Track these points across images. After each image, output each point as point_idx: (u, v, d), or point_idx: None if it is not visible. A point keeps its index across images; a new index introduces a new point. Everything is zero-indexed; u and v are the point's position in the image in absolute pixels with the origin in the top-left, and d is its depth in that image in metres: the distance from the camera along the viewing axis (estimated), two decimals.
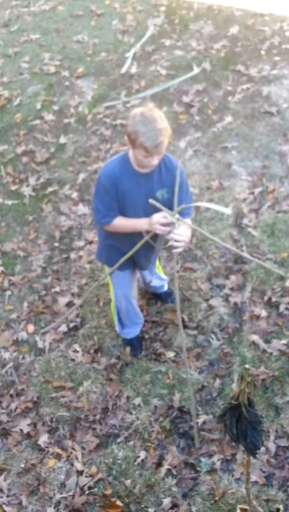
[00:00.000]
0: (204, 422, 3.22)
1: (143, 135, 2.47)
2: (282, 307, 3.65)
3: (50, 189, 4.75)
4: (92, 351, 3.66)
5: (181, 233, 2.61)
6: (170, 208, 2.62)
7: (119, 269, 3.08)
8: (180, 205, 2.62)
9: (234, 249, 2.98)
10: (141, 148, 2.52)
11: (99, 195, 2.79)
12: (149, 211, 2.66)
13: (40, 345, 3.75)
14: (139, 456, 3.13)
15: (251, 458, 2.35)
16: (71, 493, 3.05)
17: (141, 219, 2.75)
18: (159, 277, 3.66)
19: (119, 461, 3.12)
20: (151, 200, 2.59)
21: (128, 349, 3.60)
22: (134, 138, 2.51)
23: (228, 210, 2.68)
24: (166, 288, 3.79)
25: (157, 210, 2.63)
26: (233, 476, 3.01)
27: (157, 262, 3.53)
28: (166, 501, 2.93)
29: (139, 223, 2.76)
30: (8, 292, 4.10)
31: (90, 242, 4.30)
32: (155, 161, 2.59)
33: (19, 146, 5.11)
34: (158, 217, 2.66)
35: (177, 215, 2.62)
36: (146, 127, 2.46)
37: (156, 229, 2.68)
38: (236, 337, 3.59)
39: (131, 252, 2.82)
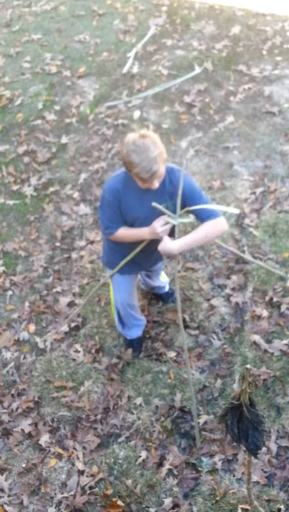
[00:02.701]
0: (205, 422, 3.22)
1: (137, 166, 2.46)
2: (283, 307, 3.65)
3: (51, 189, 4.75)
4: (93, 351, 3.66)
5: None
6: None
7: (120, 273, 3.11)
8: (193, 201, 2.69)
9: (232, 250, 2.99)
10: (137, 177, 2.54)
11: (103, 208, 2.82)
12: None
13: (41, 345, 3.75)
14: (140, 456, 3.13)
15: (252, 458, 2.35)
16: (72, 493, 3.05)
17: (143, 228, 2.78)
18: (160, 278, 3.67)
19: (120, 461, 3.12)
20: (154, 204, 2.61)
21: (129, 350, 3.60)
22: (129, 168, 2.52)
23: (236, 210, 2.68)
24: (167, 288, 3.80)
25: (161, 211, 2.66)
26: (234, 476, 3.00)
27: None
28: (168, 501, 2.93)
29: (141, 232, 2.78)
30: (10, 292, 4.10)
31: (92, 242, 4.30)
32: (155, 184, 2.58)
33: (21, 146, 5.11)
34: (158, 222, 2.69)
35: (179, 219, 2.62)
36: (140, 157, 2.44)
37: (158, 233, 2.70)
38: (237, 337, 3.59)
39: (130, 256, 2.86)
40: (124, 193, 2.71)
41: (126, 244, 2.91)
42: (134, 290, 3.33)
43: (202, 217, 2.73)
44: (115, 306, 3.41)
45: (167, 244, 2.67)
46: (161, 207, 2.62)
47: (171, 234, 2.81)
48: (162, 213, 2.70)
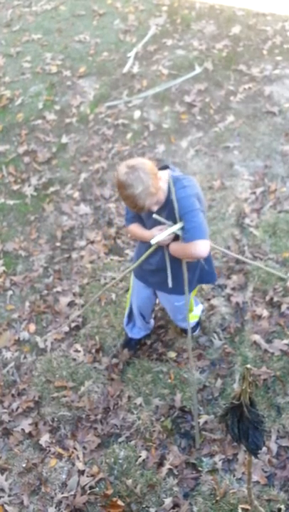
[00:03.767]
0: (206, 422, 3.22)
1: (124, 200, 2.52)
2: (283, 307, 3.64)
3: (51, 189, 4.75)
4: (93, 351, 3.66)
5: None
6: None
7: (134, 275, 3.14)
8: (184, 223, 2.61)
9: (227, 251, 2.98)
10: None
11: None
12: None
13: (41, 345, 3.75)
14: (140, 456, 3.13)
15: (253, 458, 2.35)
16: (72, 493, 3.05)
17: (146, 231, 2.82)
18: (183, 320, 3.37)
19: (120, 461, 3.12)
20: (155, 216, 2.61)
21: (125, 350, 3.60)
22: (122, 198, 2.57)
23: (284, 276, 2.59)
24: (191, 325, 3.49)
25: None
26: (234, 476, 3.00)
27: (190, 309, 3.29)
28: (168, 501, 2.93)
29: (145, 234, 2.81)
30: (10, 292, 4.10)
31: (92, 242, 4.30)
32: (154, 209, 2.60)
33: (21, 146, 5.11)
34: (157, 230, 2.70)
35: (180, 225, 2.62)
36: (124, 194, 2.47)
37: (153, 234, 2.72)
38: (238, 337, 3.59)
39: (140, 260, 2.87)
40: None
41: (142, 244, 2.97)
42: (147, 303, 3.29)
43: (185, 238, 2.65)
44: (130, 300, 3.39)
45: (162, 236, 2.65)
46: (161, 219, 2.63)
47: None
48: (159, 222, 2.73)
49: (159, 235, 2.65)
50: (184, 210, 2.60)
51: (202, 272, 3.02)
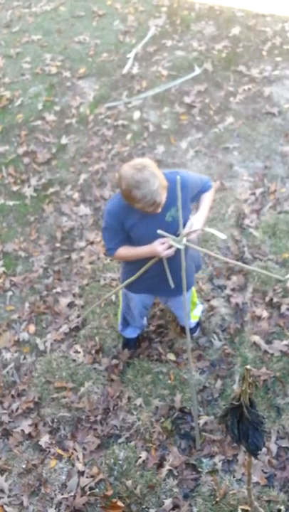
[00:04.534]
0: (205, 423, 3.22)
1: (140, 201, 2.43)
2: (283, 308, 3.65)
3: (51, 190, 4.75)
4: (93, 352, 3.66)
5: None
6: (183, 223, 2.65)
7: (133, 291, 3.08)
8: (197, 190, 2.77)
9: (222, 258, 2.99)
10: (139, 210, 2.53)
11: (103, 229, 2.80)
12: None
13: (41, 346, 3.75)
14: (140, 457, 3.13)
15: (252, 459, 2.35)
16: (72, 494, 3.05)
17: (144, 246, 2.72)
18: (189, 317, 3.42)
19: (120, 462, 3.12)
20: (159, 231, 2.55)
21: (126, 351, 3.60)
22: (131, 202, 2.48)
23: (223, 236, 2.66)
24: (192, 325, 3.58)
25: (173, 233, 2.63)
26: (234, 476, 3.00)
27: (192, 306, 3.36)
28: (168, 502, 2.93)
29: (143, 250, 2.73)
30: (10, 293, 4.10)
31: (92, 243, 4.30)
32: (158, 210, 2.56)
33: (21, 147, 5.11)
34: (160, 244, 2.65)
35: (184, 241, 2.60)
36: (142, 192, 2.39)
37: (159, 254, 2.67)
38: (238, 338, 3.59)
39: (138, 274, 2.81)
40: (124, 215, 2.67)
41: (136, 264, 2.86)
42: (149, 306, 3.29)
43: (203, 191, 2.88)
44: (123, 310, 3.37)
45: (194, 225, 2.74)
46: (166, 234, 2.57)
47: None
48: (164, 222, 2.67)
49: (190, 228, 2.67)
50: (191, 187, 2.74)
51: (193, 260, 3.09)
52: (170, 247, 2.65)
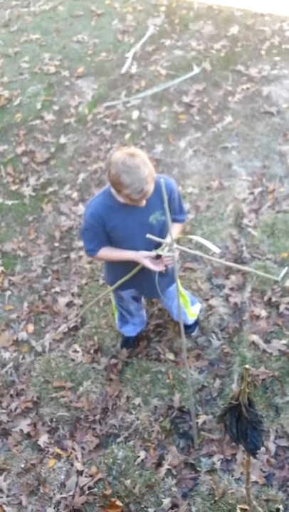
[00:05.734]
0: (204, 422, 3.22)
1: (128, 187, 2.42)
2: (282, 307, 3.65)
3: (50, 189, 4.75)
4: (92, 351, 3.66)
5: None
6: (166, 229, 2.67)
7: (120, 289, 3.07)
8: (173, 213, 2.74)
9: (218, 259, 2.99)
10: (126, 198, 2.50)
11: (83, 230, 2.80)
12: (148, 241, 2.57)
13: (39, 346, 3.75)
14: (139, 456, 3.13)
15: (251, 458, 2.35)
16: (71, 493, 3.05)
17: (129, 252, 2.73)
18: (184, 313, 3.40)
19: (119, 461, 3.13)
20: (149, 235, 2.52)
21: (124, 350, 3.60)
22: (118, 188, 2.46)
23: (216, 249, 2.66)
24: (190, 322, 3.56)
25: (155, 236, 2.60)
26: (233, 476, 3.01)
27: (183, 300, 3.35)
28: (166, 501, 2.93)
29: (126, 254, 2.74)
30: (8, 292, 4.10)
31: None
32: (143, 203, 2.55)
33: (19, 146, 5.11)
34: (146, 257, 2.67)
35: (175, 246, 2.57)
36: (130, 178, 2.39)
37: (144, 264, 2.70)
38: (236, 337, 3.59)
39: (126, 277, 2.83)
40: (106, 216, 2.66)
41: (118, 264, 2.88)
42: (136, 309, 3.33)
43: (177, 220, 2.91)
44: (117, 308, 3.38)
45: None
46: (155, 238, 2.53)
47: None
48: (147, 223, 2.68)
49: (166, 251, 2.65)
50: (172, 200, 2.75)
51: None
52: (158, 257, 2.68)
